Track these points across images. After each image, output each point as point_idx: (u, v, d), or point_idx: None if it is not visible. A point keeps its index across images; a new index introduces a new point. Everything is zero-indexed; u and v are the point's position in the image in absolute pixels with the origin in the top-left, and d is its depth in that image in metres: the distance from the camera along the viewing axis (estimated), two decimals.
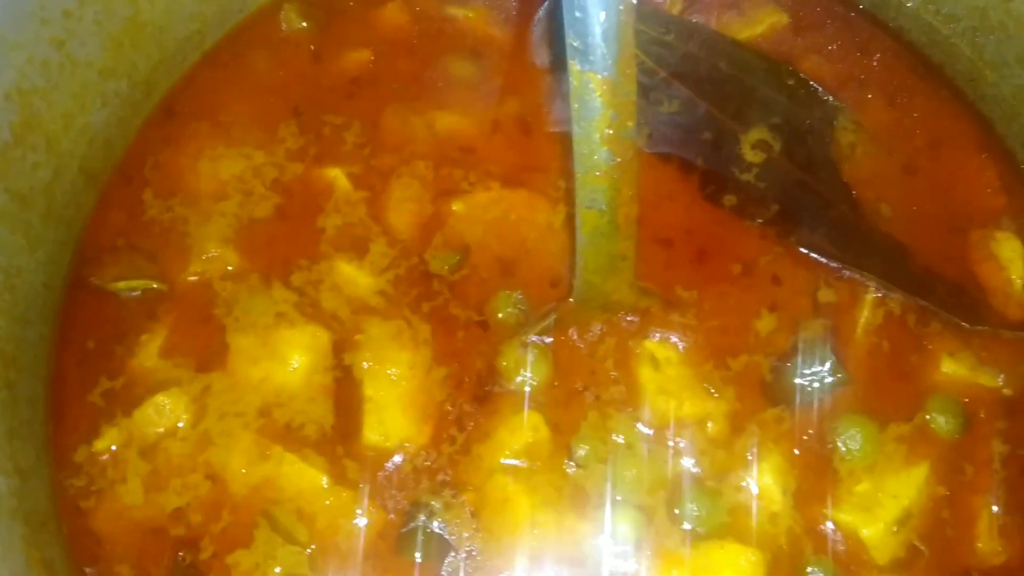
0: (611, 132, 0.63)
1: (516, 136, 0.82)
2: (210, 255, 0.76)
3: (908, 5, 0.83)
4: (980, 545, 0.70)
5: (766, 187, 0.79)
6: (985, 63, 0.80)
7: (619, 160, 0.65)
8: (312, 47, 0.84)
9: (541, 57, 0.85)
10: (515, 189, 0.79)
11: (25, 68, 0.62)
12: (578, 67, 0.61)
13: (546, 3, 0.85)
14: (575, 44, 0.61)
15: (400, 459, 0.70)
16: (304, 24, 0.84)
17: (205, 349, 0.73)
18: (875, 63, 0.85)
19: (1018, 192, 0.80)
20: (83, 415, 0.71)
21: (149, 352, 0.73)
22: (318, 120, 0.81)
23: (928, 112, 0.83)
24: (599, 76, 0.61)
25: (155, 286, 0.75)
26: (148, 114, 0.79)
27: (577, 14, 0.59)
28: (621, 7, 0.60)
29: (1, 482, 0.59)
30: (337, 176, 0.79)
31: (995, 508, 0.71)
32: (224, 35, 0.82)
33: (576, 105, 0.63)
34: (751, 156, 0.80)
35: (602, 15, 0.59)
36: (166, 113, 0.80)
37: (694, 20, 0.86)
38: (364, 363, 0.73)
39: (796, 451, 0.71)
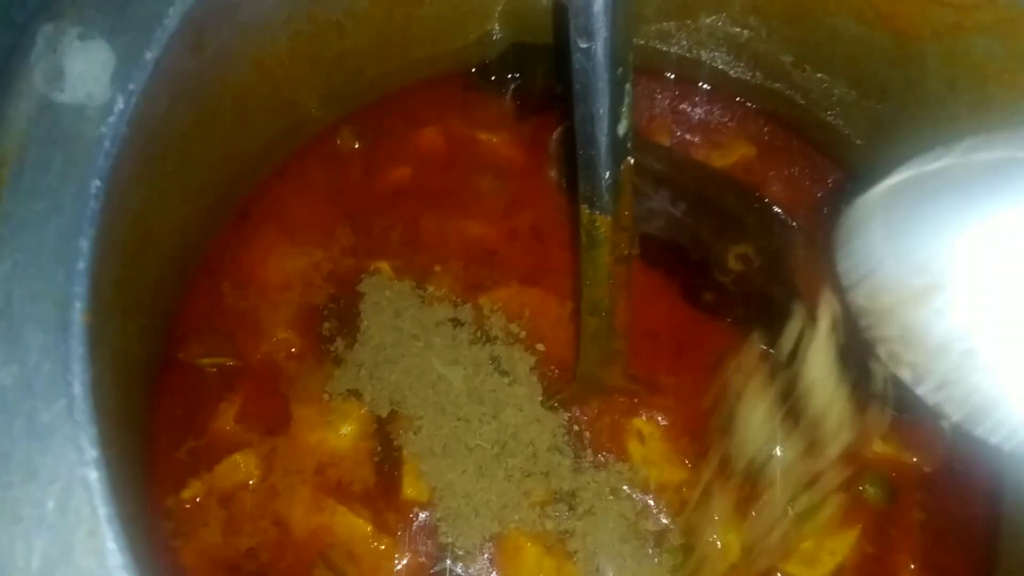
0: (611, 259, 0.80)
1: (531, 242, 0.98)
2: (277, 338, 0.91)
3: (857, 144, 1.00)
4: None
5: (736, 292, 0.96)
6: None
7: (616, 279, 0.82)
8: (363, 162, 1.00)
9: (552, 176, 1.01)
10: (530, 287, 0.95)
11: (148, 196, 0.77)
12: (587, 210, 0.78)
13: (556, 132, 1.01)
14: (586, 193, 0.77)
15: (431, 512, 0.86)
16: (356, 144, 1.00)
17: (272, 417, 0.88)
18: (826, 190, 1.02)
19: None
20: (173, 469, 0.85)
21: (227, 418, 0.88)
22: (368, 222, 0.97)
23: None
24: (604, 217, 0.78)
25: (231, 363, 0.90)
26: (227, 217, 0.95)
27: (588, 172, 0.76)
28: (621, 167, 0.77)
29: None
30: (384, 268, 0.95)
31: (912, 565, 0.87)
32: (291, 152, 0.97)
33: (585, 238, 0.79)
34: (733, 264, 0.97)
35: (607, 174, 0.76)
36: (241, 216, 0.95)
37: (679, 150, 1.03)
38: (402, 431, 0.88)
39: (754, 513, 0.87)
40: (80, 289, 0.55)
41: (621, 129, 0.74)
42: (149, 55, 0.58)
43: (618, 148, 0.75)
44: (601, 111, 0.72)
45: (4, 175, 0.54)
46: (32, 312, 0.54)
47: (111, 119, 0.57)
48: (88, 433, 0.54)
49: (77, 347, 0.55)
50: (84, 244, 0.55)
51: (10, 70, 0.55)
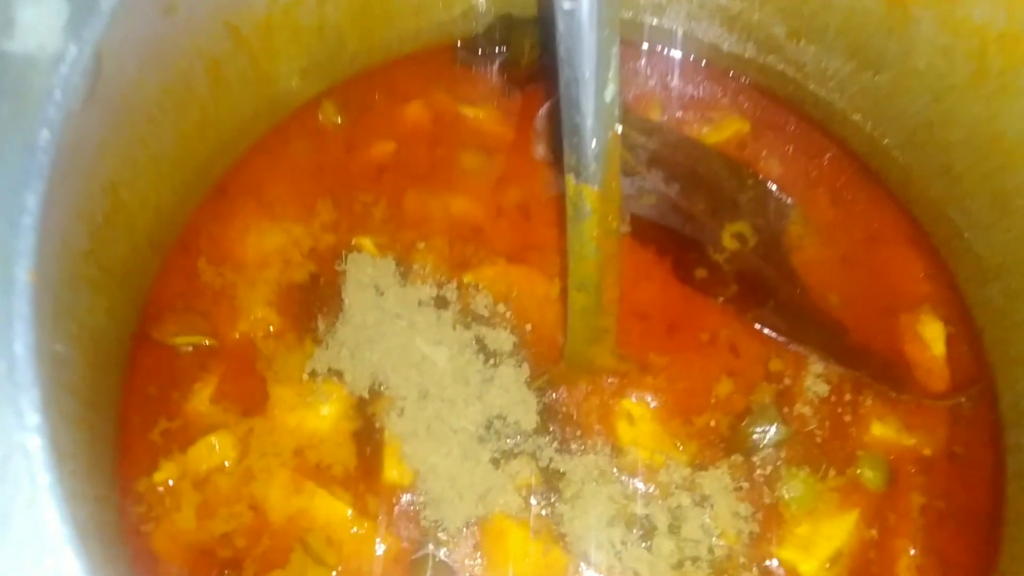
0: (598, 231, 0.77)
1: (517, 219, 0.95)
2: (255, 316, 0.88)
3: (853, 118, 0.97)
4: None
5: (730, 270, 0.93)
6: (914, 172, 0.94)
7: (604, 253, 0.79)
8: (345, 137, 0.97)
9: (539, 152, 0.98)
10: (517, 265, 0.92)
11: (117, 165, 0.75)
12: (574, 180, 0.75)
13: (544, 107, 0.99)
14: (572, 162, 0.75)
15: (413, 495, 0.83)
16: (338, 119, 0.97)
17: (249, 397, 0.85)
18: (822, 167, 0.99)
19: (940, 282, 0.94)
20: (145, 451, 0.82)
21: (202, 398, 0.85)
22: (350, 198, 0.94)
23: (866, 210, 0.98)
24: (591, 188, 0.75)
25: (207, 342, 0.86)
26: (204, 193, 0.92)
27: (574, 140, 0.73)
28: (609, 135, 0.74)
29: (85, 510, 0.71)
30: (366, 244, 0.92)
31: (912, 551, 0.84)
32: (271, 127, 0.94)
33: (571, 210, 0.77)
34: (728, 242, 0.94)
35: (594, 142, 0.73)
36: (219, 192, 0.92)
37: (671, 126, 1.01)
38: (384, 413, 0.85)
39: (748, 497, 0.84)
40: (25, 246, 0.52)
41: (608, 95, 0.72)
42: (106, 5, 0.55)
43: (605, 115, 0.72)
44: (587, 75, 0.69)
45: None
46: None
47: (63, 68, 0.54)
48: (30, 397, 0.50)
49: (21, 306, 0.51)
50: (31, 199, 0.52)
51: None
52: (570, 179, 0.75)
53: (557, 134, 0.98)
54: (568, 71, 0.69)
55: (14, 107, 0.52)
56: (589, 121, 0.71)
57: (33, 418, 0.50)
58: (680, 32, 1.00)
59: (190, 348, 0.87)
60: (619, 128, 0.74)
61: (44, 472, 0.49)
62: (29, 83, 0.53)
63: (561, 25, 0.67)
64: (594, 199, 0.75)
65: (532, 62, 1.00)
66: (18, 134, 0.52)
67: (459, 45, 1.02)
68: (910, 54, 0.85)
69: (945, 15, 0.80)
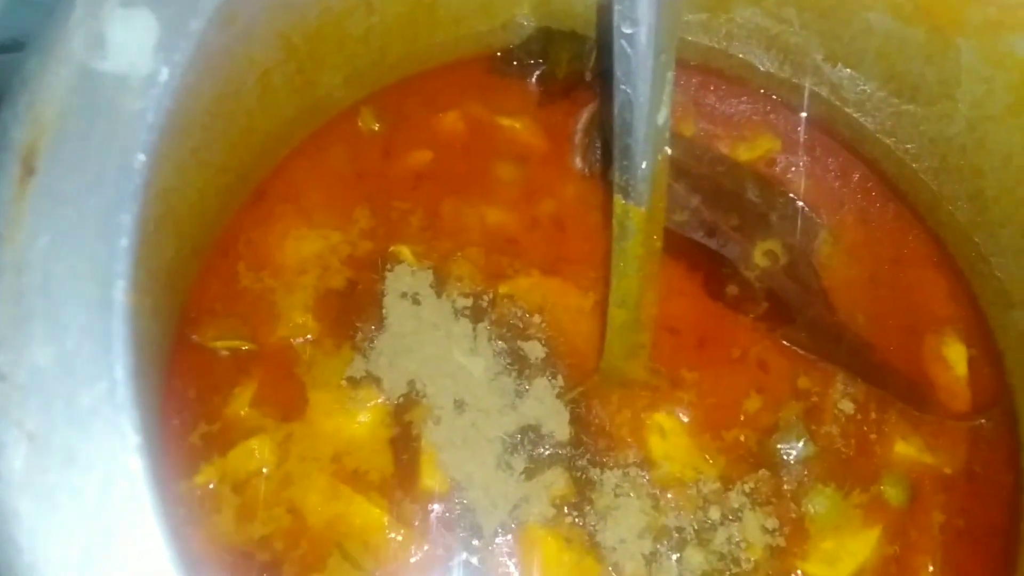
0: (642, 251, 0.79)
1: (551, 231, 0.96)
2: (294, 322, 0.89)
3: (884, 141, 0.99)
4: None
5: (760, 288, 0.95)
6: (943, 196, 0.96)
7: (646, 272, 0.81)
8: (382, 145, 0.97)
9: (577, 164, 1.00)
10: (551, 277, 0.93)
11: (169, 172, 0.75)
12: (622, 200, 0.76)
13: (582, 120, 1.00)
14: (621, 183, 0.76)
15: (449, 503, 0.84)
16: (376, 126, 0.97)
17: (288, 402, 0.85)
18: (851, 187, 1.01)
19: (964, 304, 0.97)
20: (185, 455, 0.83)
21: (241, 402, 0.85)
22: (387, 206, 0.94)
23: (893, 232, 0.99)
24: (638, 208, 0.76)
25: (246, 347, 0.87)
26: (244, 198, 0.92)
27: (624, 161, 0.75)
28: (658, 157, 0.75)
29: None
30: (404, 253, 0.93)
31: (932, 567, 0.86)
32: (310, 133, 0.95)
33: (617, 229, 0.78)
34: (759, 260, 0.96)
35: (644, 164, 0.74)
36: (257, 197, 0.92)
37: (702, 142, 1.02)
38: (421, 421, 0.86)
39: (775, 511, 0.85)
40: (122, 267, 0.53)
41: (661, 117, 0.73)
42: (194, 25, 0.56)
43: (656, 137, 0.73)
44: (642, 98, 0.70)
45: (41, 145, 0.51)
46: (72, 290, 0.52)
47: (155, 90, 0.54)
48: (131, 418, 0.52)
49: (119, 328, 0.52)
50: (127, 220, 0.53)
51: (47, 35, 0.53)
52: (618, 199, 0.76)
53: (594, 146, 1.00)
54: (623, 94, 0.70)
55: (108, 128, 0.53)
56: (640, 143, 0.73)
57: (134, 439, 0.51)
58: (716, 50, 1.01)
59: (229, 352, 0.87)
60: (668, 150, 0.76)
61: (147, 493, 0.51)
62: (122, 104, 0.53)
63: (618, 48, 0.68)
64: (640, 219, 0.77)
65: (569, 75, 1.01)
66: (114, 155, 0.53)
67: (497, 56, 1.02)
68: (948, 82, 0.87)
69: (987, 47, 0.81)
